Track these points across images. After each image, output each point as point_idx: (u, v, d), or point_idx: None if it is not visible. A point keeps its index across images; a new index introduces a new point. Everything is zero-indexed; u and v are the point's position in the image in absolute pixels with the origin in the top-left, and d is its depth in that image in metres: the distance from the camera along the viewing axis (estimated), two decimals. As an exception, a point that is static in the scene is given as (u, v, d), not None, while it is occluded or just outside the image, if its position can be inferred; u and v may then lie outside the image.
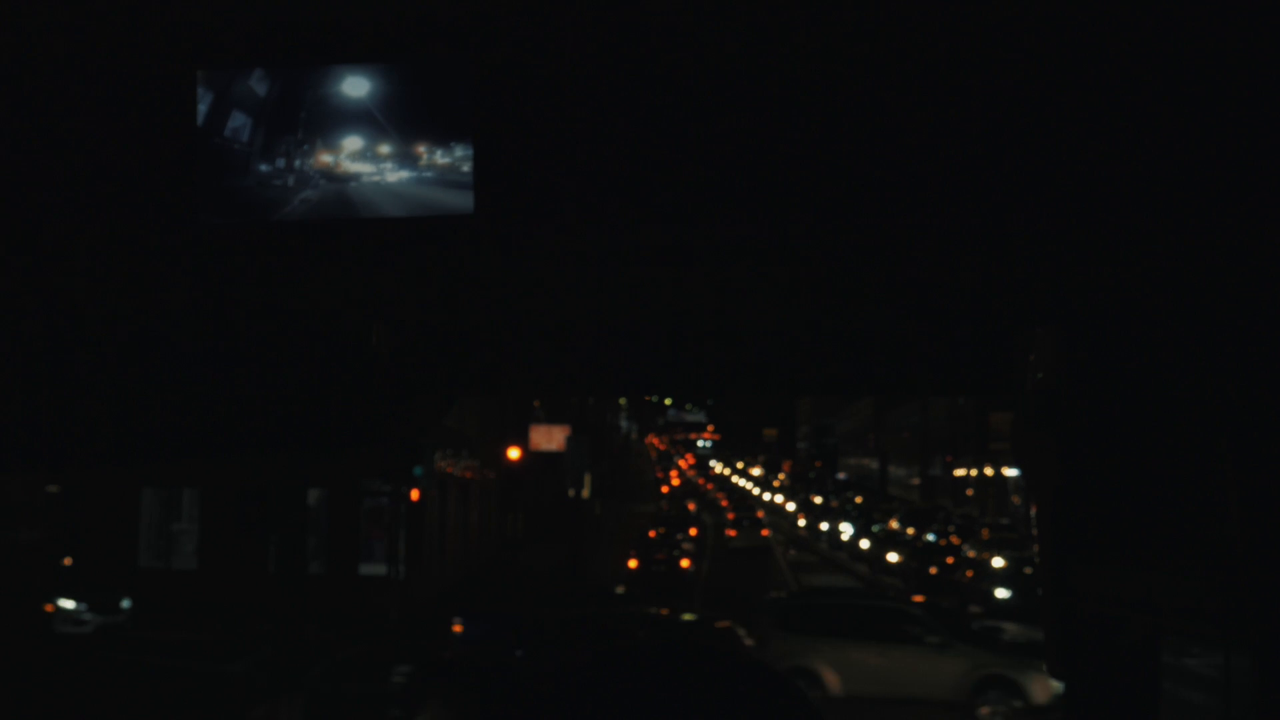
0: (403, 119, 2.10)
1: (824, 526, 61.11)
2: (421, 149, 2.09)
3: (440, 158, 2.09)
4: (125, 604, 24.45)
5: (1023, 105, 1.92)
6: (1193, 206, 1.82)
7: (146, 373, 3.01)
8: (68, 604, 23.60)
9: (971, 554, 35.41)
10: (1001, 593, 29.94)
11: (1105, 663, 2.51)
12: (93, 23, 2.13)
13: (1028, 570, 29.98)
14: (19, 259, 2.20)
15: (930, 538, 43.39)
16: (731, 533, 56.21)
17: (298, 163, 2.15)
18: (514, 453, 44.66)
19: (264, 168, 2.14)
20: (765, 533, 55.79)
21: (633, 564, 41.30)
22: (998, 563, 32.00)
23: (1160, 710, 2.51)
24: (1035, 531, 2.73)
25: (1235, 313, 2.05)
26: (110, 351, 2.85)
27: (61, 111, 2.15)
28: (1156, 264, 2.06)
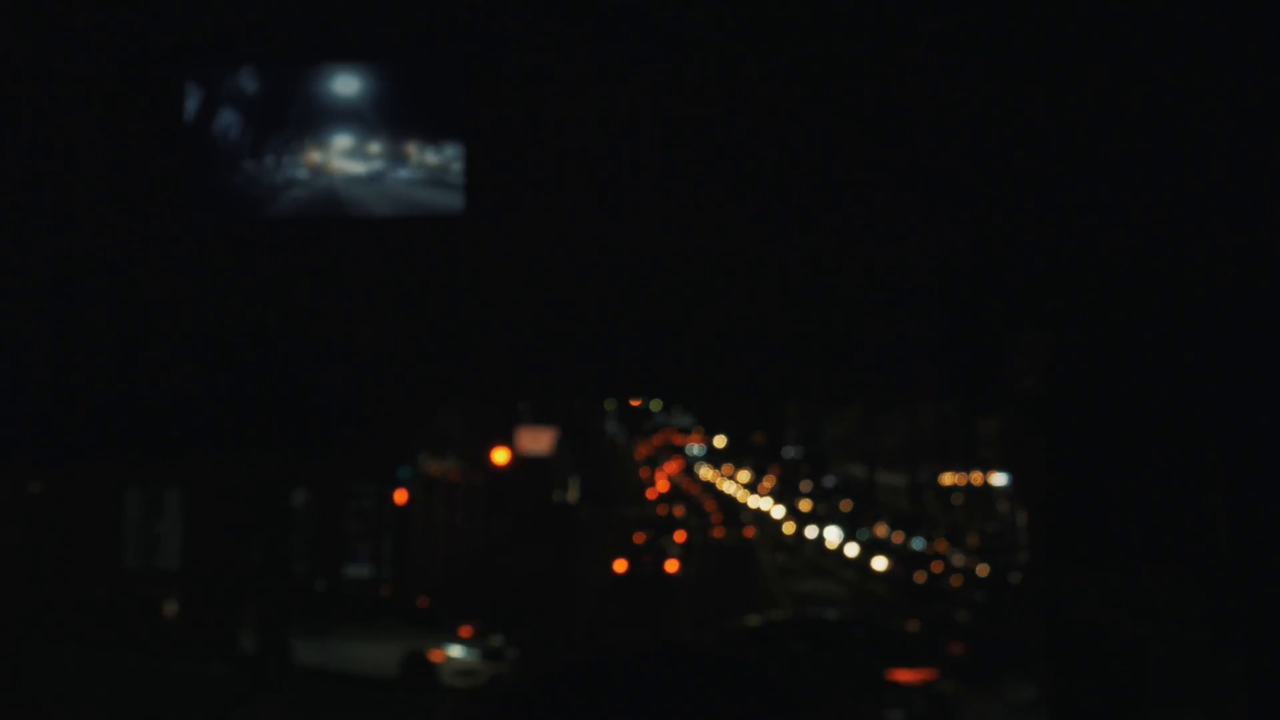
0: (393, 118, 2.09)
1: (810, 533, 61.19)
2: (412, 148, 2.08)
3: (430, 157, 2.08)
4: (498, 643, 22.77)
5: (1012, 105, 1.92)
6: (1186, 210, 1.82)
7: (130, 370, 3.00)
8: (457, 652, 22.01)
9: (958, 560, 35.46)
10: (985, 599, 29.99)
11: (1094, 668, 2.51)
12: (82, 20, 2.12)
13: (1013, 576, 30.02)
14: (6, 256, 2.19)
15: (917, 544, 43.46)
16: (718, 533, 56.42)
17: (287, 161, 2.13)
18: (501, 455, 44.64)
19: (253, 165, 2.13)
20: (749, 533, 56.07)
21: (620, 567, 41.31)
22: (983, 569, 32.05)
23: (1148, 715, 2.51)
24: (1024, 537, 2.73)
25: (1225, 318, 2.05)
26: (94, 348, 2.84)
27: (49, 108, 2.14)
28: (1147, 268, 2.06)
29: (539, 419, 50.91)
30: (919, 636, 22.77)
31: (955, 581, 32.71)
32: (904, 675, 18.90)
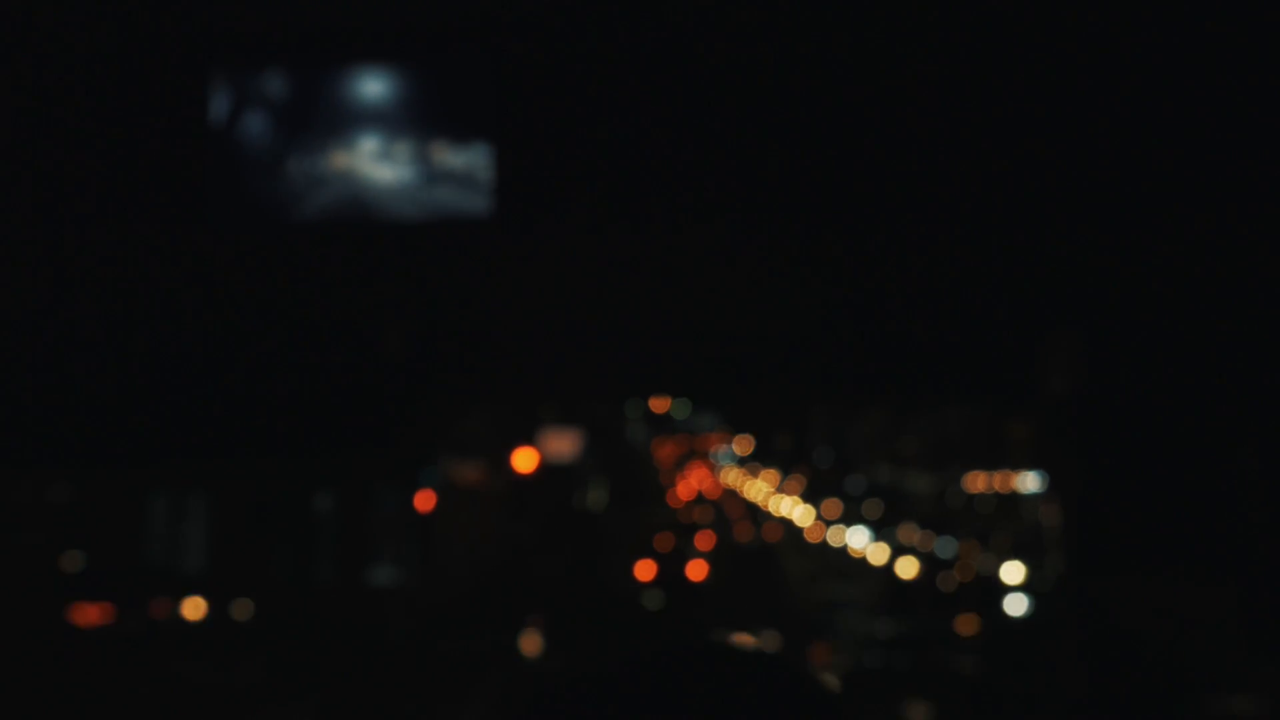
0: (421, 120, 2.08)
1: (836, 537, 61.06)
2: (439, 151, 2.07)
3: (458, 159, 2.07)
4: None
5: (1041, 100, 1.89)
6: (1224, 205, 1.80)
7: (155, 374, 3.00)
8: None
9: (987, 566, 35.31)
10: (1017, 607, 29.77)
11: (1129, 673, 2.48)
12: (106, 21, 2.11)
13: (1045, 582, 29.84)
14: (31, 259, 2.19)
15: (944, 549, 43.29)
16: (742, 538, 56.49)
17: (312, 164, 2.12)
18: (525, 459, 44.67)
19: (278, 169, 2.12)
20: (774, 537, 56.10)
21: (646, 574, 41.27)
22: (1014, 576, 31.85)
23: (1182, 721, 2.48)
24: (1056, 542, 2.70)
25: (1263, 316, 2.02)
26: (116, 351, 2.84)
27: (74, 111, 2.13)
28: (1182, 264, 2.04)
29: (564, 423, 50.90)
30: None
31: (982, 589, 32.53)
32: None
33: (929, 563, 39.82)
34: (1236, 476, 2.05)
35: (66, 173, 2.13)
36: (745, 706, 1.06)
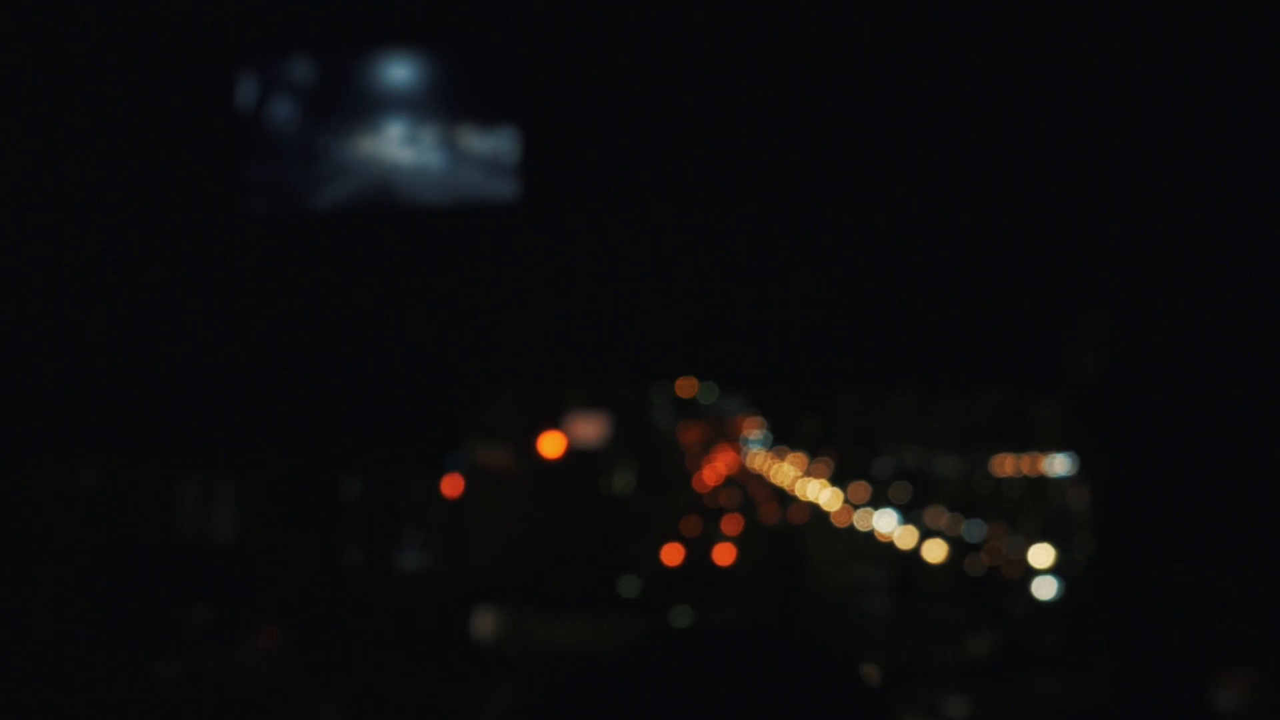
0: (447, 105, 2.08)
1: (864, 521, 61.08)
2: (465, 135, 2.07)
3: (485, 144, 2.06)
4: None
5: (1071, 84, 1.88)
6: (1258, 187, 1.78)
7: (183, 358, 3.02)
8: None
9: (1015, 549, 35.19)
10: (1046, 590, 29.63)
11: (1157, 656, 2.48)
12: (137, 11, 2.12)
13: (1074, 565, 29.71)
14: (64, 248, 2.20)
15: (972, 532, 43.19)
16: (768, 519, 56.85)
17: (339, 149, 2.13)
18: (552, 444, 44.79)
19: (305, 155, 2.12)
20: (799, 519, 56.27)
21: (672, 558, 41.28)
22: (1043, 560, 31.72)
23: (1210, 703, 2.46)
24: (1084, 525, 2.70)
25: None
26: (146, 336, 2.86)
27: (106, 99, 2.14)
28: (1212, 245, 2.02)
29: (590, 407, 50.83)
30: None
31: (1011, 573, 32.42)
32: None
33: (957, 546, 39.66)
34: (1268, 460, 2.04)
35: (97, 161, 2.14)
36: (781, 698, 1.05)
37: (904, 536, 48.28)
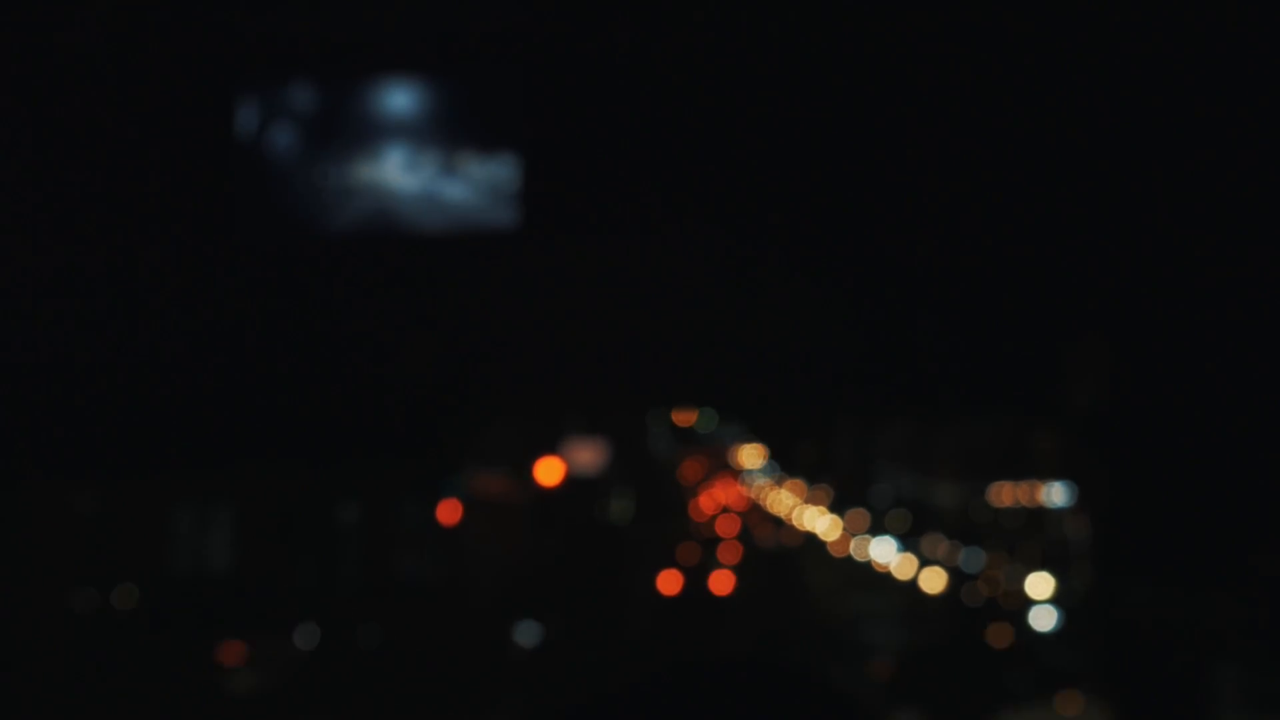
0: (447, 132, 2.09)
1: (861, 550, 60.96)
2: (466, 162, 2.08)
3: (485, 171, 2.07)
4: None
5: (1068, 110, 1.89)
6: (1253, 213, 1.79)
7: (180, 382, 3.02)
8: None
9: (1014, 579, 35.15)
10: (1046, 621, 29.50)
11: (1156, 684, 2.47)
12: (136, 35, 2.13)
13: (1072, 595, 29.63)
14: (61, 269, 2.20)
15: (970, 562, 43.13)
16: (763, 540, 57.19)
17: (339, 176, 2.13)
18: (550, 471, 44.70)
19: (305, 181, 2.13)
20: (794, 542, 56.61)
21: (670, 588, 41.19)
22: (1042, 590, 31.64)
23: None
24: (1084, 553, 2.69)
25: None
26: (143, 360, 2.86)
27: (104, 124, 2.15)
28: (1208, 273, 2.03)
29: (588, 435, 50.80)
30: None
31: (1009, 602, 32.37)
32: None
33: (955, 576, 39.62)
34: (1267, 485, 2.04)
35: (97, 184, 2.15)
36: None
37: (902, 565, 48.21)
